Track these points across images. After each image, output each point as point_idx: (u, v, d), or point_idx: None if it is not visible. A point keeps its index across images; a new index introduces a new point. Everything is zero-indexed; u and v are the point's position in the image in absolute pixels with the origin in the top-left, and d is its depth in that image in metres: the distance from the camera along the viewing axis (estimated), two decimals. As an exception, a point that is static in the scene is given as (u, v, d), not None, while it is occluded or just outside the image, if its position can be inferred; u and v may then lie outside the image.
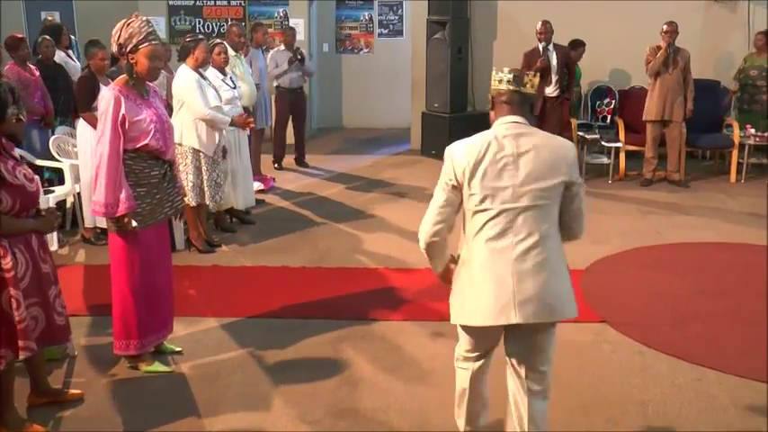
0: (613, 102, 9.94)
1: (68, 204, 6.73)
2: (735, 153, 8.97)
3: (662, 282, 5.67)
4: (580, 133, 9.05)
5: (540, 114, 8.41)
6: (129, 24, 3.96)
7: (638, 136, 9.04)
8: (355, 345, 4.61)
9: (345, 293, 5.44)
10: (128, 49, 3.95)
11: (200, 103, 5.93)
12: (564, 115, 8.67)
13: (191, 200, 6.08)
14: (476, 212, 3.00)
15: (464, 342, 3.28)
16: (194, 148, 6.03)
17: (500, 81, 3.09)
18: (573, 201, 3.08)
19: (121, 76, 4.07)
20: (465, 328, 3.20)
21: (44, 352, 3.90)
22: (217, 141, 6.16)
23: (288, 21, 11.87)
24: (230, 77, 6.69)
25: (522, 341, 3.08)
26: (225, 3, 12.05)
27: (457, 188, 3.02)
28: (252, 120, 6.62)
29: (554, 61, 8.35)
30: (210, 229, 6.63)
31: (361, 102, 13.13)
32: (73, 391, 4.00)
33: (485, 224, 2.97)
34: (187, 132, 6.00)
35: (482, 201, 2.96)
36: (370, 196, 8.29)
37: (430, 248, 3.14)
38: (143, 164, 4.05)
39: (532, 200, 2.94)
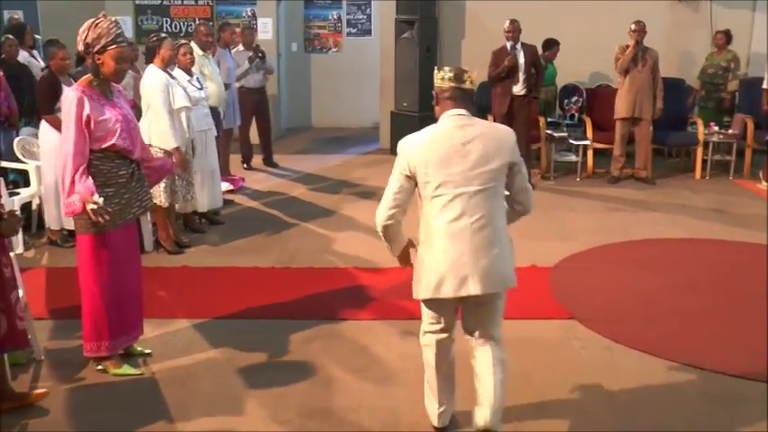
0: (581, 100, 10.04)
1: (34, 206, 6.65)
2: (699, 150, 9.10)
3: (630, 278, 5.73)
4: (548, 131, 9.11)
5: (508, 113, 8.43)
6: (97, 24, 3.92)
7: (605, 134, 9.13)
8: (325, 344, 4.60)
9: (315, 293, 5.43)
10: (95, 49, 3.91)
11: (163, 108, 5.86)
12: (532, 114, 8.70)
13: (163, 200, 6.04)
14: (433, 197, 3.29)
15: (427, 316, 3.52)
16: (165, 149, 5.98)
17: (442, 79, 3.41)
18: (516, 178, 3.40)
19: (85, 76, 4.03)
20: (427, 301, 3.45)
21: (8, 357, 3.85)
22: (189, 138, 6.12)
23: (256, 20, 11.82)
24: (197, 78, 6.64)
25: (478, 308, 3.42)
26: (192, 2, 11.96)
27: (410, 177, 3.32)
28: (186, 165, 6.20)
29: (521, 60, 8.38)
30: (179, 230, 6.59)
31: (330, 101, 13.10)
32: (38, 391, 3.95)
33: (442, 208, 3.27)
34: (159, 133, 5.93)
35: (437, 187, 3.26)
36: (340, 196, 8.29)
37: (386, 230, 3.43)
38: (110, 164, 4.01)
39: (482, 183, 3.26)
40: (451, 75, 3.40)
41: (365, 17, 12.94)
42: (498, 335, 3.51)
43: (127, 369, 4.22)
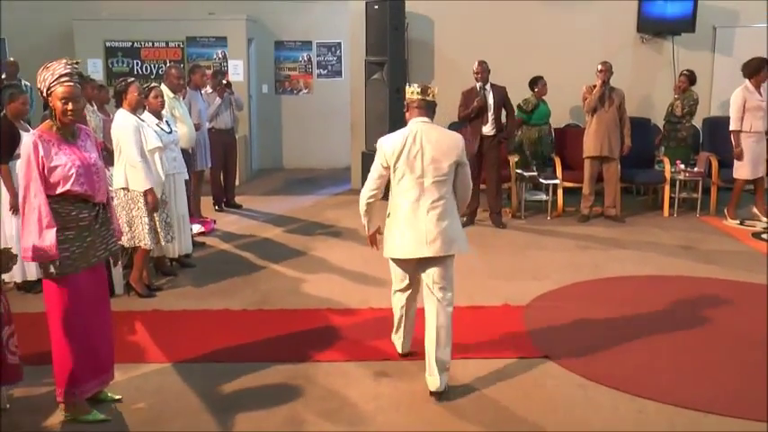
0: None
1: (1, 250, 6.55)
2: (667, 188, 9.24)
3: (601, 315, 5.76)
4: (518, 171, 9.19)
5: (478, 153, 8.51)
6: (47, 68, 3.89)
7: (574, 173, 9.25)
8: (298, 387, 4.56)
9: (287, 336, 5.39)
10: (44, 93, 3.90)
11: (134, 151, 5.84)
12: (502, 154, 8.79)
13: (147, 243, 5.99)
14: (399, 182, 4.37)
15: (396, 277, 4.62)
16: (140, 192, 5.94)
17: (413, 92, 4.48)
18: (459, 174, 4.43)
19: (47, 121, 4.00)
20: (395, 261, 4.53)
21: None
22: (163, 181, 6.08)
23: (227, 62, 11.90)
24: (166, 121, 6.62)
25: (432, 268, 4.39)
26: (163, 45, 12.01)
27: (386, 168, 4.40)
28: (157, 207, 6.07)
29: (490, 100, 8.48)
30: (150, 273, 6.52)
31: (300, 142, 13.17)
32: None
33: (406, 191, 4.35)
34: (134, 177, 5.90)
35: (403, 175, 4.35)
36: (312, 237, 8.28)
37: (369, 207, 4.55)
38: (69, 207, 3.95)
39: (435, 175, 4.32)
40: (419, 89, 4.47)
41: (335, 59, 13.07)
42: (449, 298, 4.44)
43: (96, 415, 4.14)
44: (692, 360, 4.94)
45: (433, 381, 4.34)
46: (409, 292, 4.64)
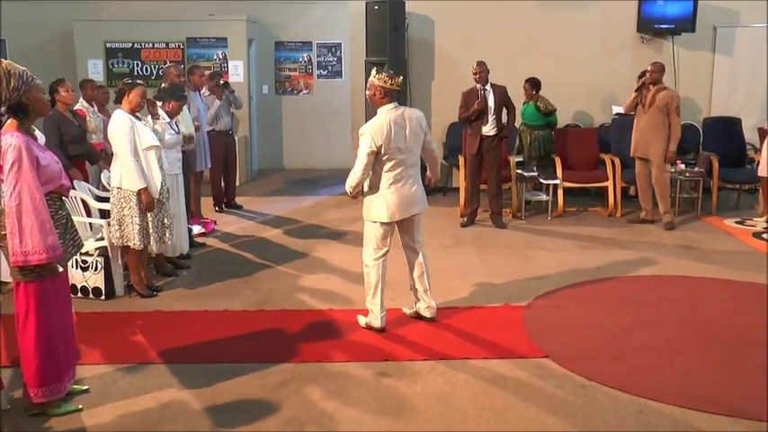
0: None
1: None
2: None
3: (602, 315, 5.76)
4: (519, 171, 9.19)
5: (478, 153, 8.51)
6: (7, 71, 3.80)
7: (574, 173, 9.25)
8: (299, 387, 4.56)
9: (288, 336, 5.39)
10: (23, 91, 3.82)
11: (126, 150, 5.83)
12: (502, 153, 8.78)
13: (137, 243, 5.97)
14: (386, 160, 5.12)
15: (378, 242, 5.32)
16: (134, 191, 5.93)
17: (385, 82, 5.15)
18: (429, 143, 5.44)
19: (9, 123, 3.88)
20: (384, 225, 5.25)
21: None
22: (161, 182, 6.06)
23: (227, 63, 11.91)
24: (176, 122, 6.64)
25: (411, 224, 5.41)
26: (163, 45, 12.02)
27: (373, 152, 5.08)
28: (152, 206, 6.00)
29: (491, 101, 8.47)
30: (151, 274, 6.52)
31: (301, 143, 13.18)
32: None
33: (392, 166, 5.14)
34: (127, 176, 5.89)
35: (389, 153, 5.09)
36: (312, 237, 8.28)
37: (358, 189, 5.27)
38: (54, 206, 3.99)
39: (412, 149, 5.22)
40: (399, 80, 5.20)
41: (335, 59, 13.07)
42: (422, 241, 5.54)
43: (67, 407, 4.20)
44: (693, 360, 4.94)
45: (431, 309, 5.55)
46: (385, 257, 5.37)
